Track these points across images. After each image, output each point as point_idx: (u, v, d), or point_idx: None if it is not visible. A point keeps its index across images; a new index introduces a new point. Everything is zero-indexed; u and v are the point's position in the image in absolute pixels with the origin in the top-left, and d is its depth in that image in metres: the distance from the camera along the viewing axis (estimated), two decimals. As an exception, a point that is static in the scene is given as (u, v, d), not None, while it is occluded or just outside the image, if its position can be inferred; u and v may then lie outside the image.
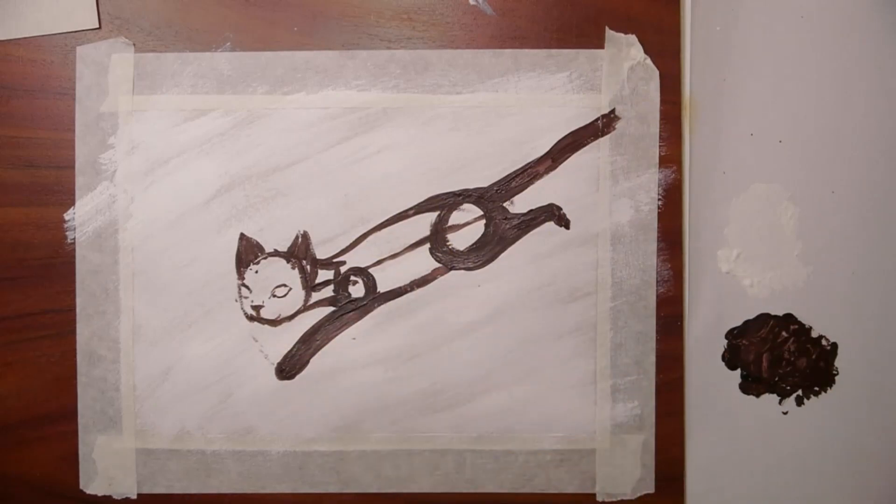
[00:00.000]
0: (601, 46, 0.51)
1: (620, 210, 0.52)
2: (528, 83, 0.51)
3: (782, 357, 0.54)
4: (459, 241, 0.52)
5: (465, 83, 0.51)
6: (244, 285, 0.52)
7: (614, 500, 0.53)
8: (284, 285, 0.52)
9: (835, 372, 0.54)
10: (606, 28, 0.51)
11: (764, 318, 0.53)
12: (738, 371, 0.54)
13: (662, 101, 0.52)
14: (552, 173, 0.52)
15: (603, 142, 0.52)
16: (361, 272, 0.52)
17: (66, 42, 0.51)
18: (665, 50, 0.51)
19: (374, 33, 0.52)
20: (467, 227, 0.52)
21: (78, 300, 0.52)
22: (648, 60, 0.51)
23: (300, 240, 0.52)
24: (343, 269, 0.52)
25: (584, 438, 0.53)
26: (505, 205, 0.52)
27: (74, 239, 0.52)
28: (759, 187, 0.53)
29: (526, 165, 0.52)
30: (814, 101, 0.52)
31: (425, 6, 0.52)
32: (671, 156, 0.52)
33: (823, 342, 0.54)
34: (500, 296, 0.52)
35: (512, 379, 0.52)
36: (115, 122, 0.51)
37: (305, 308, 0.52)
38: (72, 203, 0.52)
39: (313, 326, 0.52)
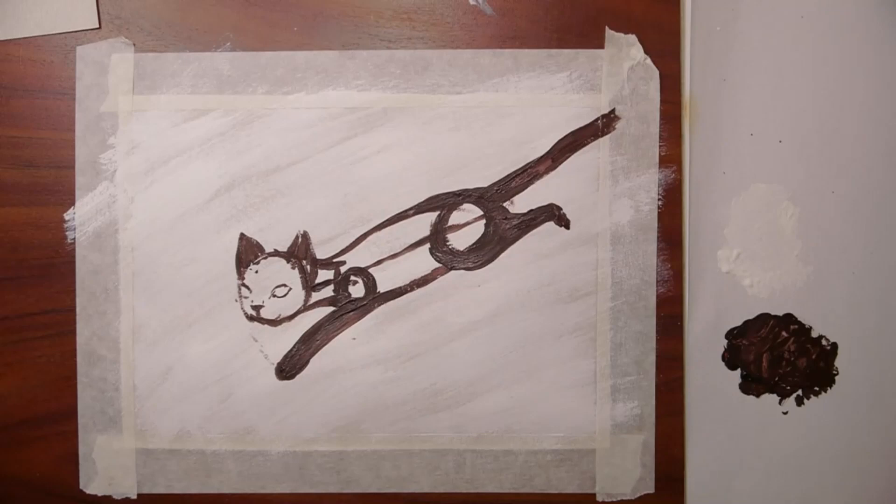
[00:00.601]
0: (601, 46, 0.51)
1: (620, 210, 0.52)
2: (528, 83, 0.51)
3: (782, 357, 0.54)
4: (459, 241, 0.52)
5: (465, 83, 0.51)
6: (244, 285, 0.52)
7: (614, 500, 0.53)
8: (284, 285, 0.52)
9: (835, 372, 0.54)
10: (606, 28, 0.51)
11: (764, 318, 0.53)
12: (738, 371, 0.54)
13: (662, 101, 0.52)
14: (552, 173, 0.52)
15: (603, 142, 0.52)
16: (361, 272, 0.52)
17: (66, 42, 0.51)
18: (665, 50, 0.51)
19: (374, 33, 0.52)
20: (467, 227, 0.52)
21: (78, 300, 0.52)
22: (648, 60, 0.51)
23: (300, 240, 0.52)
24: (343, 269, 0.52)
25: (584, 438, 0.53)
26: (505, 205, 0.52)
27: (74, 239, 0.52)
28: (759, 187, 0.53)
29: (526, 165, 0.52)
30: (814, 101, 0.52)
31: (425, 6, 0.52)
32: (671, 156, 0.52)
33: (823, 342, 0.54)
34: (500, 296, 0.52)
35: (512, 379, 0.52)
36: (115, 122, 0.51)
37: (305, 308, 0.52)
38: (72, 203, 0.52)
39: (313, 326, 0.52)
